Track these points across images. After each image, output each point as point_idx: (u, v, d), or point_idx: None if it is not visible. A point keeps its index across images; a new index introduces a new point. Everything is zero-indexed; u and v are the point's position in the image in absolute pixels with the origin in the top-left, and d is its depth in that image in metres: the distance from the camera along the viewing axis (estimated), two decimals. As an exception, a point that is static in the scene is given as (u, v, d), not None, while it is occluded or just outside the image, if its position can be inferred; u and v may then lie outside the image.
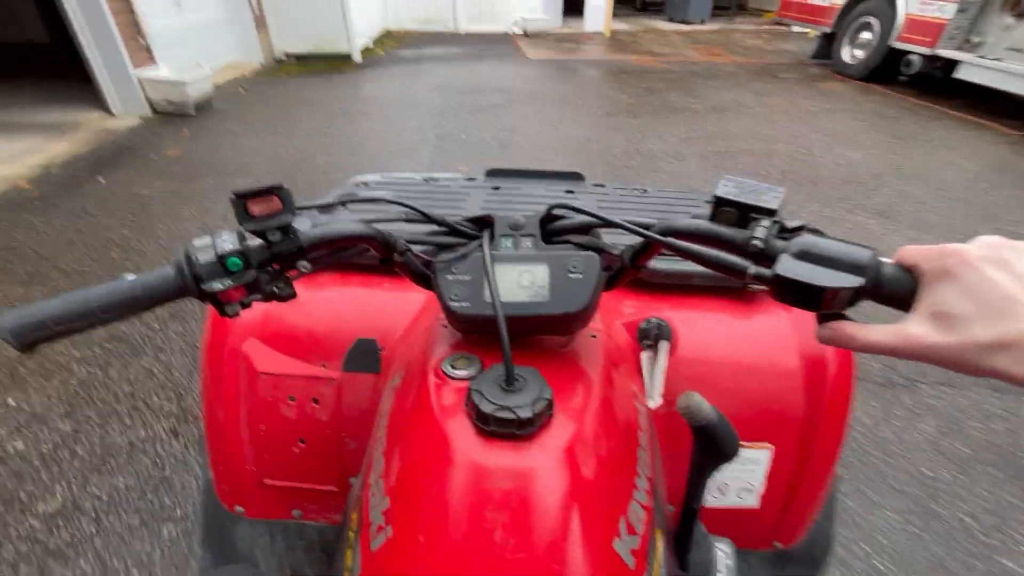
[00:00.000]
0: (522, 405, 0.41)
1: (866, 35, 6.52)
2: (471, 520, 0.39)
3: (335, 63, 7.17)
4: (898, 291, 0.36)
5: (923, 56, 5.64)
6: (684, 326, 0.72)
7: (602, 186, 0.99)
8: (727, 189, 0.42)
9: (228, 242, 0.41)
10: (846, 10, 6.75)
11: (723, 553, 0.64)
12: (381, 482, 0.46)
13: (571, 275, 0.49)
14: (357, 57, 7.36)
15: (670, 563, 0.54)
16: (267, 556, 0.81)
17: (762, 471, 0.73)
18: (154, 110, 4.70)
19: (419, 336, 0.62)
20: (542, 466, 0.41)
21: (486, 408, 0.41)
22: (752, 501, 0.75)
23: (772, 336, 0.72)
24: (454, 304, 0.49)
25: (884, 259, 0.37)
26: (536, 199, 0.90)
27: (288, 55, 7.40)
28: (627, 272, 0.52)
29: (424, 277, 0.54)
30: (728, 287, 0.76)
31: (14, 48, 7.07)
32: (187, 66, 4.93)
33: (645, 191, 0.97)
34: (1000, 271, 0.32)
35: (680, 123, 4.84)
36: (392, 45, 8.52)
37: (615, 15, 10.25)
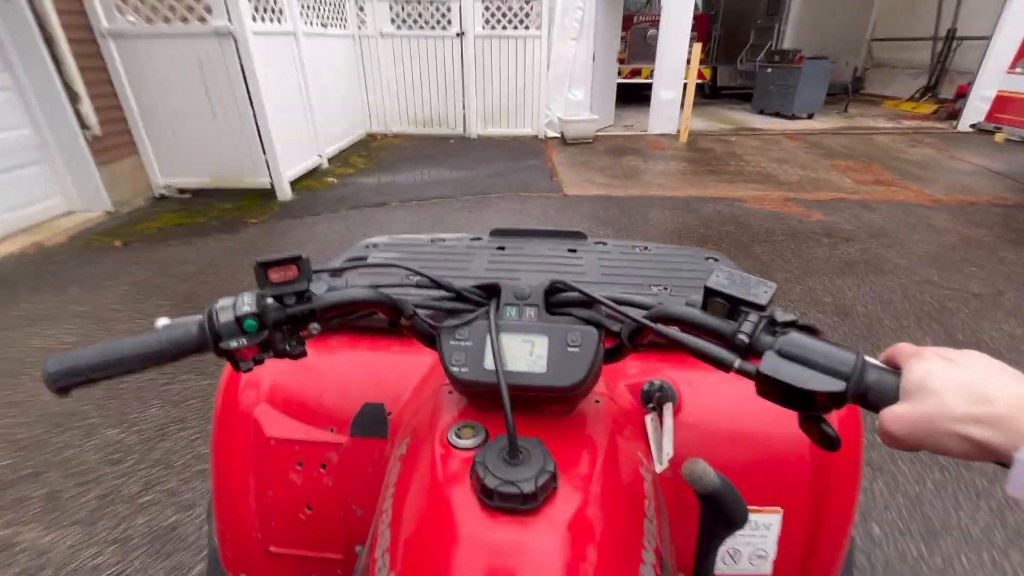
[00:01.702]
0: (526, 479, 0.42)
1: None
2: None
3: (246, 204, 4.26)
4: (882, 397, 0.36)
5: None
6: (688, 387, 0.71)
7: (604, 243, 0.99)
8: (718, 280, 0.43)
9: (247, 304, 0.44)
10: None
11: None
12: (387, 556, 0.46)
13: (570, 348, 0.50)
14: (284, 193, 4.45)
15: None
16: None
17: (774, 536, 0.71)
18: None
19: (425, 401, 0.65)
20: (546, 541, 0.41)
21: (490, 483, 0.42)
22: (766, 568, 0.72)
23: None
24: (454, 369, 0.51)
25: (872, 360, 0.38)
26: (540, 259, 0.89)
27: (182, 191, 4.56)
28: (626, 349, 0.54)
29: (431, 338, 0.55)
30: None
31: None
32: None
33: (646, 248, 0.97)
34: (973, 366, 0.34)
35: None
36: (359, 164, 5.65)
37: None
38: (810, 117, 8.31)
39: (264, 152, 4.30)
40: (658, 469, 0.60)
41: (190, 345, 0.45)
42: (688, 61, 6.42)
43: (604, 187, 4.79)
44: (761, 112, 8.81)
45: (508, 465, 0.43)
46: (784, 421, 0.62)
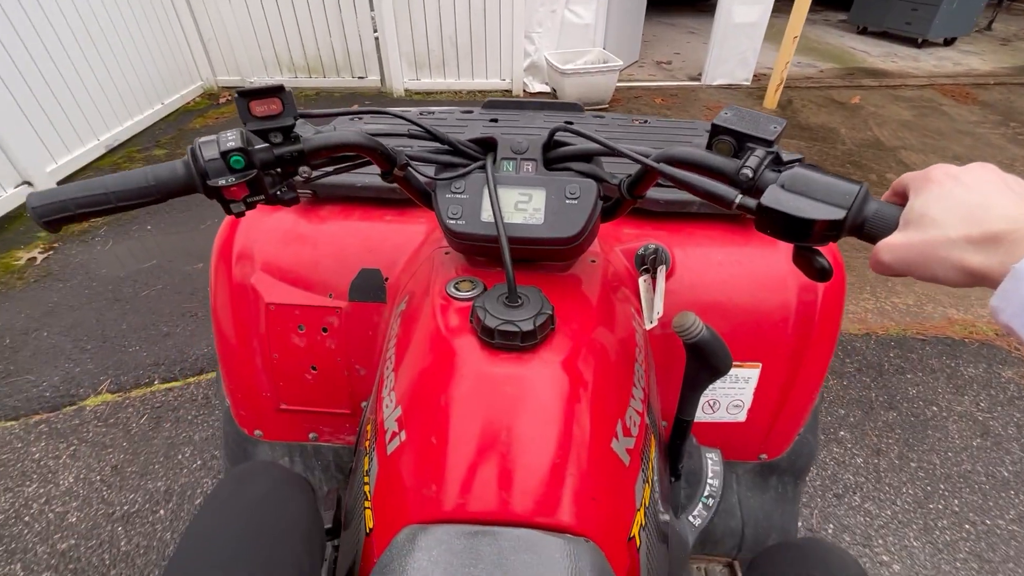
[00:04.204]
0: (524, 319, 0.44)
1: None
2: (478, 423, 0.42)
3: None
4: (880, 227, 0.35)
5: None
6: (681, 252, 0.74)
7: (601, 116, 0.96)
8: (726, 117, 0.42)
9: (231, 140, 0.42)
10: None
11: (712, 460, 0.68)
12: (393, 394, 0.49)
13: (568, 201, 0.51)
14: None
15: (663, 472, 0.59)
16: None
17: (751, 388, 0.76)
18: None
19: (422, 264, 0.66)
20: (544, 374, 0.44)
21: (490, 322, 0.44)
22: (741, 416, 0.78)
23: (766, 260, 0.74)
24: (451, 222, 0.51)
25: (876, 200, 0.36)
26: (535, 130, 0.86)
27: None
28: (625, 203, 0.54)
29: (424, 194, 0.55)
30: (726, 214, 0.76)
31: None
32: None
33: (646, 121, 0.95)
34: (981, 184, 0.32)
35: None
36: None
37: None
38: (949, 44, 5.24)
39: None
40: (648, 327, 0.62)
41: (177, 184, 0.43)
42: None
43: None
44: (864, 31, 5.66)
45: (507, 308, 0.45)
46: (771, 286, 0.72)
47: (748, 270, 0.73)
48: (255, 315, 0.76)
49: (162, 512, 1.29)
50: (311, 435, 0.84)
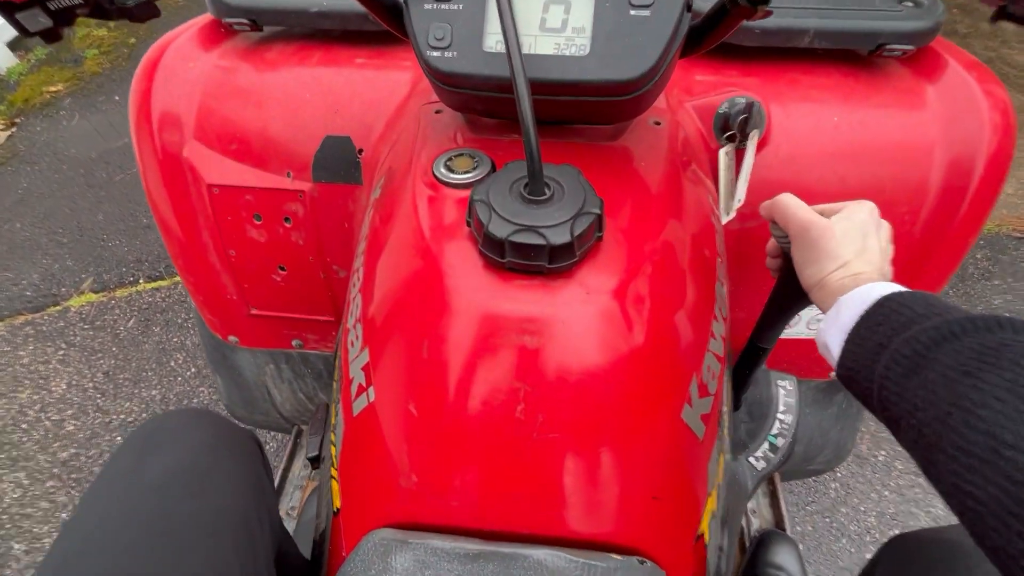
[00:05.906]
0: (555, 223, 0.28)
1: None
2: (479, 389, 0.29)
3: None
4: None
5: None
6: (779, 109, 0.53)
7: None
8: None
9: None
10: None
11: (784, 391, 0.57)
12: (359, 329, 0.36)
13: (633, 12, 0.31)
14: None
15: (728, 409, 0.46)
16: (277, 383, 0.76)
17: None
18: None
19: (405, 129, 0.49)
20: (583, 315, 0.29)
21: (498, 229, 0.28)
22: None
23: (903, 122, 0.53)
24: (433, 55, 0.34)
25: None
26: None
27: None
28: (730, 17, 0.31)
29: (392, 9, 0.36)
30: (848, 50, 0.54)
31: None
32: None
33: None
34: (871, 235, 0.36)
35: None
36: (95, 63, 2.38)
37: None
38: None
39: None
40: (724, 220, 0.47)
41: None
42: None
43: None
44: None
45: (527, 203, 0.29)
46: (907, 160, 0.52)
47: (875, 137, 0.53)
48: (198, 200, 0.61)
49: (160, 422, 1.23)
50: (295, 342, 0.72)
